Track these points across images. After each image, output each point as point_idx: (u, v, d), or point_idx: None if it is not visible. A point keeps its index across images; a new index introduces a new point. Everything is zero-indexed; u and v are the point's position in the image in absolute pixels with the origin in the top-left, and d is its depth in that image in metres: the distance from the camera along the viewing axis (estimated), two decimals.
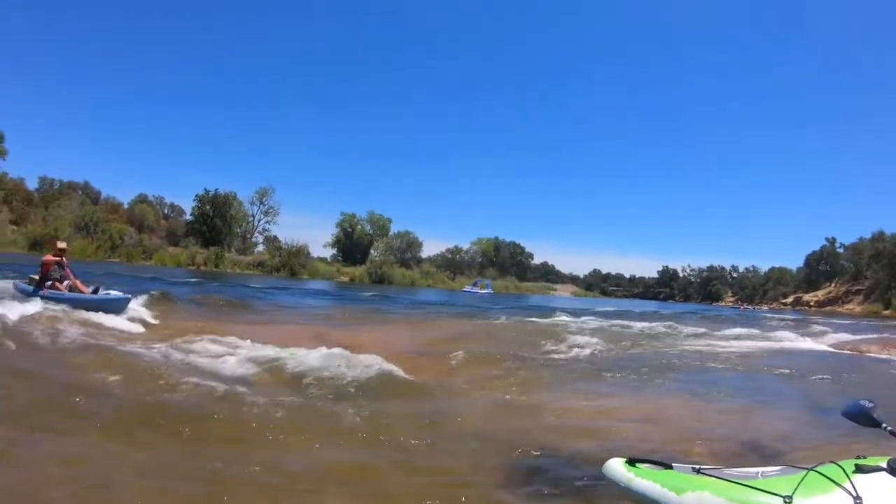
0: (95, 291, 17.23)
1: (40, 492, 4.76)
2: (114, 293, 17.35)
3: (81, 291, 17.08)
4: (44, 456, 5.40)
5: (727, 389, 10.90)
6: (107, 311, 15.63)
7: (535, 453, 6.43)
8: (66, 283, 17.14)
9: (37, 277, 17.07)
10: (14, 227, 76.79)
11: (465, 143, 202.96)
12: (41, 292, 16.43)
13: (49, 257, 17.33)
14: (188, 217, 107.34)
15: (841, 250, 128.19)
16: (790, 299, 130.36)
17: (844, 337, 24.07)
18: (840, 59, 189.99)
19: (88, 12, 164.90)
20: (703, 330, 22.89)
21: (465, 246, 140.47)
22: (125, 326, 14.12)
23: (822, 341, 22.41)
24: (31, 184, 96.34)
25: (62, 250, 17.67)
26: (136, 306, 16.76)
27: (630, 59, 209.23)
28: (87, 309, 15.61)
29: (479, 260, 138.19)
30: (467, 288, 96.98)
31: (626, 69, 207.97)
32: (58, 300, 16.17)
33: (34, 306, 14.86)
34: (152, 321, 15.48)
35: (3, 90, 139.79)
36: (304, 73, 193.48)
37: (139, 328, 14.24)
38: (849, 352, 19.49)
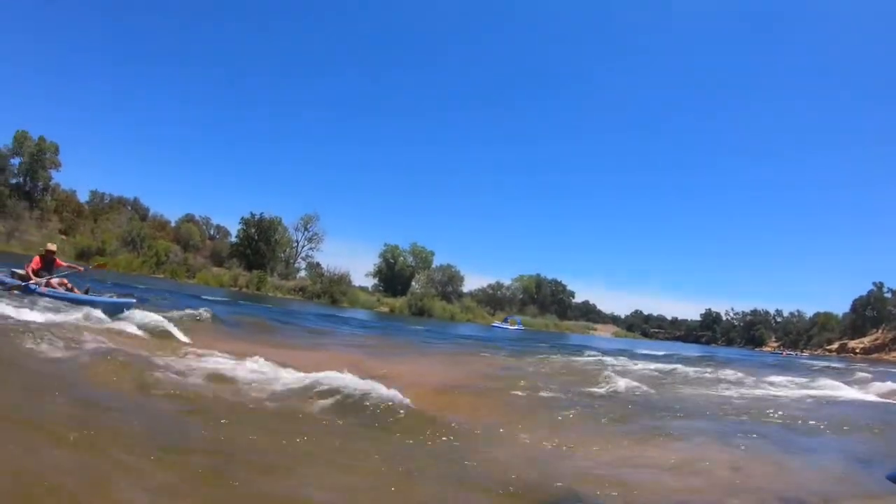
0: (86, 292, 17.50)
1: None
2: (107, 298, 17.93)
3: (71, 290, 17.33)
4: (62, 473, 5.28)
5: (763, 439, 10.52)
6: (109, 314, 15.85)
7: (564, 501, 6.26)
8: (55, 280, 17.43)
9: (21, 272, 17.29)
10: (63, 237, 78.14)
11: (512, 180, 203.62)
12: (38, 289, 16.60)
13: (37, 257, 17.69)
14: (233, 239, 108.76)
15: (889, 295, 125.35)
16: (835, 346, 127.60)
17: (891, 386, 23.01)
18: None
19: (150, 38, 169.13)
20: (741, 375, 22.24)
21: (507, 282, 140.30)
22: (152, 339, 14.01)
23: (866, 390, 21.54)
24: (83, 196, 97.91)
25: (51, 251, 17.95)
26: (171, 321, 16.64)
27: (680, 96, 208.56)
28: (88, 308, 15.81)
29: (521, 297, 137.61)
30: (497, 324, 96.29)
31: (675, 108, 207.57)
32: (59, 299, 16.35)
33: (44, 307, 14.98)
34: (188, 337, 15.37)
35: (62, 106, 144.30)
36: (354, 105, 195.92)
37: (173, 343, 14.13)
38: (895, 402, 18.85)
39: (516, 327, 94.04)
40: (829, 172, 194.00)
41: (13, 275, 17.51)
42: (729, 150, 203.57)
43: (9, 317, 12.61)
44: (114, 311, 16.57)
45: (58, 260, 17.92)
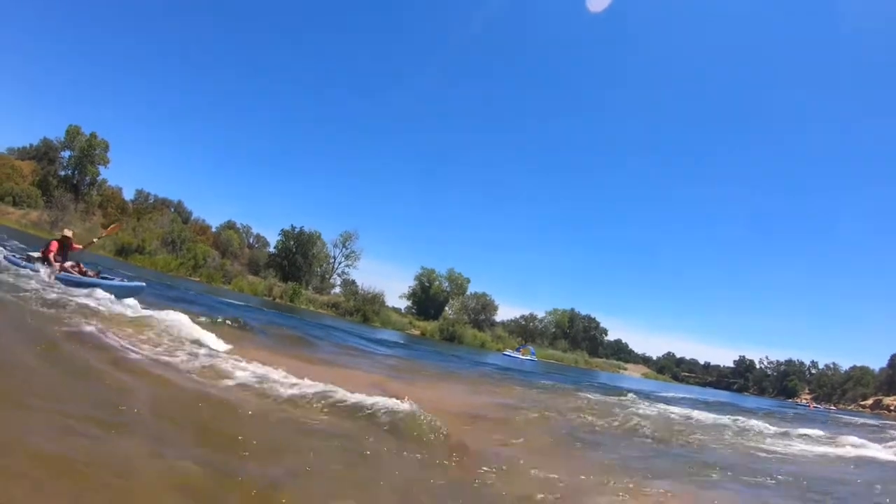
0: (97, 275, 18.05)
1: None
2: (117, 282, 18.41)
3: (84, 273, 17.85)
4: (91, 463, 5.33)
5: (790, 494, 10.14)
6: (118, 296, 16.49)
7: None
8: (68, 263, 18.00)
9: (36, 255, 17.61)
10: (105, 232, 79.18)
11: (555, 214, 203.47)
12: (56, 273, 16.87)
13: (54, 242, 18.18)
14: (271, 249, 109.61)
15: None
16: (869, 401, 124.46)
17: None
18: None
19: (211, 54, 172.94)
20: (769, 427, 21.41)
21: (541, 314, 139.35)
22: (182, 341, 13.84)
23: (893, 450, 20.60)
24: (128, 194, 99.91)
25: (67, 237, 18.48)
26: (203, 325, 16.52)
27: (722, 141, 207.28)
28: (112, 294, 16.46)
29: (553, 330, 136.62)
30: (508, 352, 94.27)
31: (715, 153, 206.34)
32: (72, 282, 16.61)
33: (70, 292, 15.25)
34: (218, 342, 15.12)
35: (119, 109, 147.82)
36: (401, 132, 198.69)
37: (202, 347, 13.97)
38: None
39: (528, 357, 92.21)
40: (870, 224, 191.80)
41: (28, 258, 17.83)
42: (771, 192, 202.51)
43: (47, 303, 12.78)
44: (123, 293, 16.96)
45: (73, 244, 18.38)
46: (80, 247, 18.80)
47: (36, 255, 17.86)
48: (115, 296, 16.40)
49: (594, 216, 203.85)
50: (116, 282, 18.11)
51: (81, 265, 18.14)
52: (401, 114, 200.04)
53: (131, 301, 16.70)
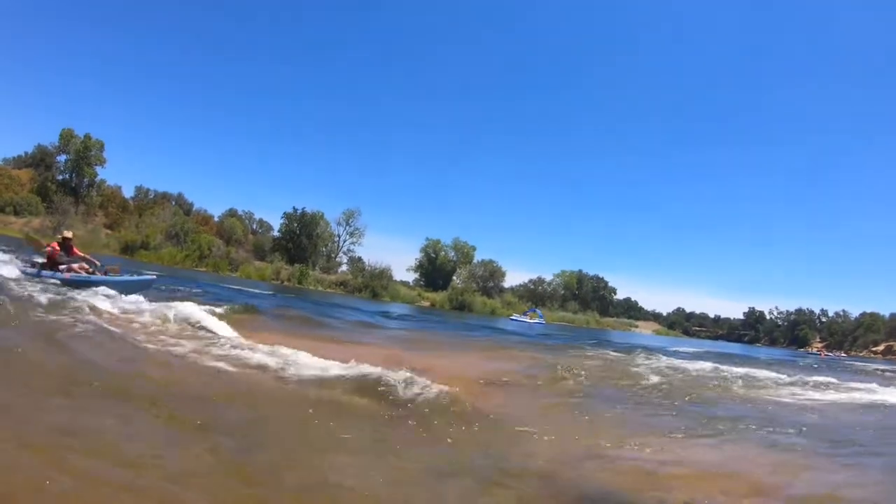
0: (105, 274, 18.21)
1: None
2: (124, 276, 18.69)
3: (91, 273, 17.95)
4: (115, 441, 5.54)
5: (803, 443, 10.19)
6: (128, 291, 16.78)
7: (598, 501, 6.14)
8: (76, 265, 18.00)
9: (41, 261, 17.71)
10: (108, 232, 79.75)
11: (556, 175, 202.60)
12: (62, 275, 17.05)
13: (54, 244, 18.29)
14: (275, 233, 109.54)
15: None
16: (881, 347, 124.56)
17: None
18: None
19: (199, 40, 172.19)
20: (782, 377, 21.37)
21: (549, 277, 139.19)
22: (194, 330, 13.92)
23: None
24: (128, 192, 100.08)
25: (67, 238, 18.61)
26: (214, 314, 16.58)
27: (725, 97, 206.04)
28: (120, 290, 16.67)
29: (562, 292, 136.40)
30: (515, 316, 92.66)
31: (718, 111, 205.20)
32: (82, 282, 16.76)
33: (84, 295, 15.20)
34: (230, 329, 15.17)
35: (110, 106, 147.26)
36: (398, 105, 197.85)
37: (215, 335, 14.07)
38: None
39: (536, 320, 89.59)
40: (872, 169, 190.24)
41: (34, 263, 17.91)
42: (772, 142, 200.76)
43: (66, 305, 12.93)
44: (133, 289, 17.14)
45: (74, 248, 18.47)
46: (82, 254, 18.80)
47: (41, 260, 17.95)
48: (124, 292, 16.49)
49: (596, 174, 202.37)
50: (124, 277, 18.21)
51: (87, 265, 18.18)
52: (396, 88, 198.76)
53: (138, 296, 16.80)
